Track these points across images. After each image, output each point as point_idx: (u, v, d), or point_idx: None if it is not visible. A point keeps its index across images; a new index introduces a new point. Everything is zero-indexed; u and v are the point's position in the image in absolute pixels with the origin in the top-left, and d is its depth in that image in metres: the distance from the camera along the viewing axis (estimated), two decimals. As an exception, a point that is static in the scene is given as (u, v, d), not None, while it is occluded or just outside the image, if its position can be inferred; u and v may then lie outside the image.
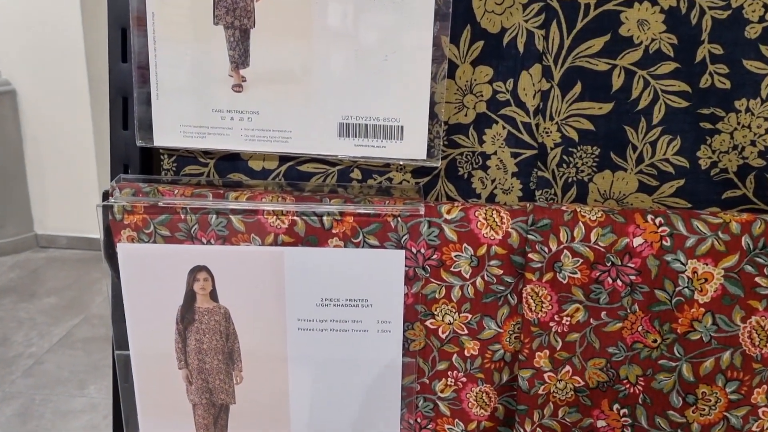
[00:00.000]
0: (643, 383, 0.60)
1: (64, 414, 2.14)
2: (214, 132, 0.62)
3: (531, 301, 0.59)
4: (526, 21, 0.59)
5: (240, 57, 0.60)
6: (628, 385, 0.61)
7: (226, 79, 0.60)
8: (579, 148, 0.60)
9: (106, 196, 0.61)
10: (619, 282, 0.58)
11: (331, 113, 0.60)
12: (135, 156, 0.64)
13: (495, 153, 0.62)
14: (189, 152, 0.64)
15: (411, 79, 0.59)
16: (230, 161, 0.64)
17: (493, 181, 0.63)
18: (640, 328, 0.59)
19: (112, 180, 0.62)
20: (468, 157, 0.63)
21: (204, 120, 0.61)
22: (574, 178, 0.61)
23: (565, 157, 0.61)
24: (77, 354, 2.48)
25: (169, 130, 0.62)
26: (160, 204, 0.59)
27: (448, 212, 0.59)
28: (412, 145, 0.60)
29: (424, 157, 0.61)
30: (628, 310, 0.59)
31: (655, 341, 0.59)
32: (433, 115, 0.60)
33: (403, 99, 0.59)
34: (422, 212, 0.58)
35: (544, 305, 0.59)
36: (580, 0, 0.57)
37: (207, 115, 0.61)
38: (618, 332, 0.59)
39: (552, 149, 0.61)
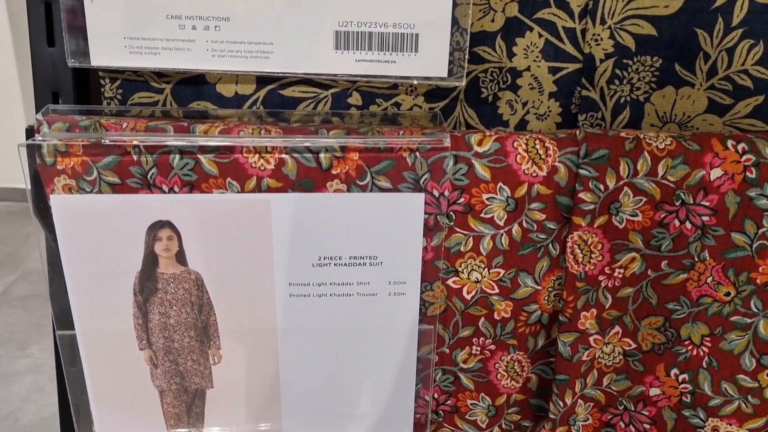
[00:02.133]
0: (709, 344, 0.50)
1: (6, 377, 1.99)
2: (170, 46, 0.47)
3: (578, 250, 0.48)
4: None
5: (201, -56, 0.45)
6: (690, 347, 0.51)
7: (184, -26, 0.45)
8: (636, 60, 0.48)
9: (30, 133, 0.46)
10: (688, 224, 0.47)
11: (324, 18, 0.46)
12: (66, 80, 0.49)
13: (528, 69, 0.50)
14: (138, 74, 0.50)
15: (428, -28, 0.45)
16: (193, 85, 0.50)
17: (524, 104, 0.51)
18: (709, 280, 0.48)
19: (38, 113, 0.47)
20: (494, 74, 0.50)
21: (156, 30, 0.47)
22: (628, 98, 0.49)
23: (617, 71, 0.49)
24: (16, 312, 2.31)
25: (110, 45, 0.47)
26: (105, 142, 0.45)
27: (480, 143, 0.46)
28: (430, 60, 0.47)
29: (445, 75, 0.48)
30: (696, 258, 0.48)
31: (727, 294, 0.49)
32: (453, 21, 0.47)
33: (418, -2, 0.46)
34: (448, 144, 0.46)
35: (593, 255, 0.48)
36: None
37: (160, 23, 0.47)
38: (681, 285, 0.49)
39: (602, 62, 0.49)
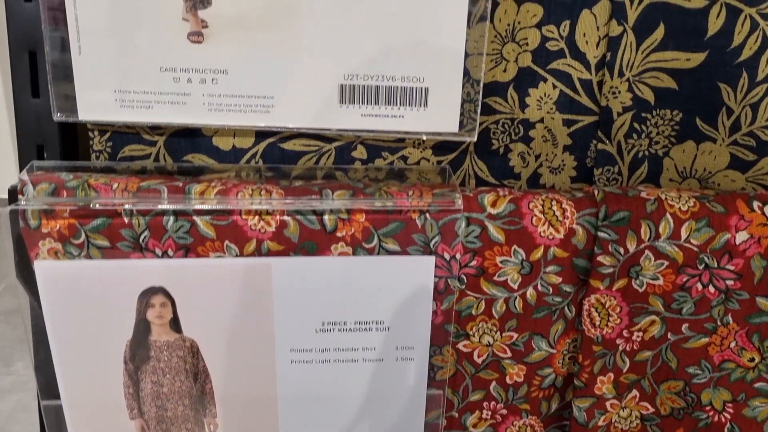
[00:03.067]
0: (731, 410, 0.48)
1: (-10, 395, 1.93)
2: (164, 100, 0.44)
3: (595, 314, 0.46)
4: (592, -58, 0.43)
5: (198, -7, 0.42)
6: (711, 413, 0.48)
7: (179, 25, 0.43)
8: (655, 113, 0.46)
9: (13, 195, 0.43)
10: (711, 288, 0.45)
11: (328, 71, 0.44)
12: (52, 133, 0.46)
13: (541, 120, 0.47)
14: (129, 126, 0.47)
15: (439, 23, 0.43)
16: (187, 138, 0.47)
17: (537, 157, 0.48)
18: (732, 344, 0.46)
19: (22, 170, 0.44)
20: (506, 126, 0.47)
21: (149, 83, 0.44)
22: (646, 152, 0.47)
23: (636, 125, 0.46)
24: (0, 327, 2.25)
25: (99, 98, 0.44)
26: (95, 205, 0.42)
27: (494, 204, 0.44)
28: (440, 114, 0.45)
29: (455, 130, 0.45)
30: (719, 323, 0.46)
31: (751, 360, 0.46)
32: (465, 72, 0.44)
33: (429, 51, 0.43)
34: (460, 206, 0.43)
35: (611, 318, 0.46)
36: None
37: (153, 75, 0.44)
38: (702, 349, 0.47)
39: (620, 115, 0.46)
